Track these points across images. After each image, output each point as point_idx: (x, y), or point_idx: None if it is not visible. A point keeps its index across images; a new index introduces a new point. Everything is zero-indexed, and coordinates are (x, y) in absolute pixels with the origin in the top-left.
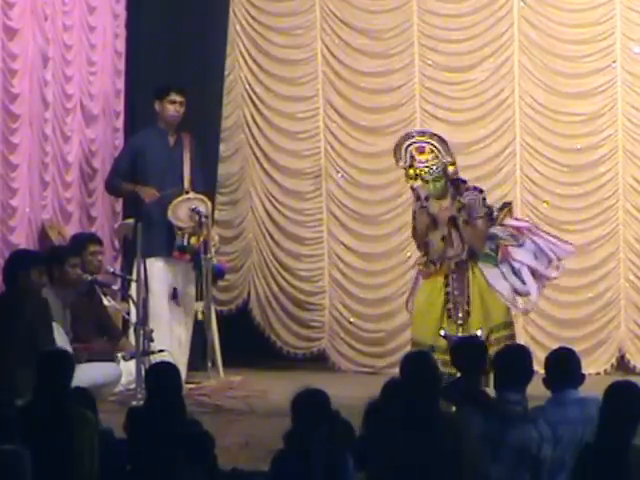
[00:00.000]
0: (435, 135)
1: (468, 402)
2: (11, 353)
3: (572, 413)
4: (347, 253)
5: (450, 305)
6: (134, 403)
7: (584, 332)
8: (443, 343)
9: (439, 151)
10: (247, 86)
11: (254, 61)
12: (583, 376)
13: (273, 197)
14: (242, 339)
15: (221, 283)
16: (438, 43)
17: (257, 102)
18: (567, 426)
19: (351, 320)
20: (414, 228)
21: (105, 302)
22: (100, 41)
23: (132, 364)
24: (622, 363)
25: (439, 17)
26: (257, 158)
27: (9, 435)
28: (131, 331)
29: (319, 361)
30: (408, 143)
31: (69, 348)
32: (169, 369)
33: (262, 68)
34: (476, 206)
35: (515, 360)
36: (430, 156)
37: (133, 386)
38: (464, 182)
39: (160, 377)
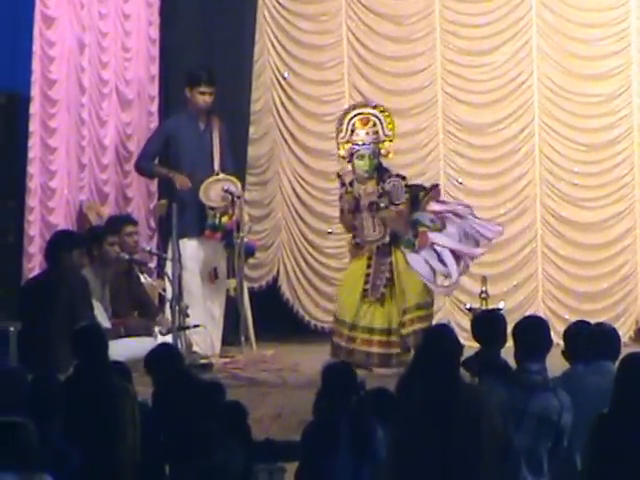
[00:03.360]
0: (381, 107)
1: (489, 373)
2: (54, 331)
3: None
4: None
5: (367, 286)
6: None
7: (603, 305)
8: (365, 322)
9: (381, 124)
10: (275, 71)
11: (282, 46)
12: None
13: (301, 177)
14: (272, 314)
15: (252, 261)
16: (459, 28)
17: (285, 86)
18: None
19: None
20: (341, 211)
21: (142, 279)
22: (135, 28)
23: (168, 338)
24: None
25: (460, 3)
26: (285, 140)
27: (53, 409)
28: (167, 307)
29: None
30: (354, 114)
31: (108, 324)
32: (167, 352)
33: (290, 53)
34: (398, 192)
35: (535, 331)
36: (371, 130)
37: None
38: (387, 170)
39: (159, 361)
